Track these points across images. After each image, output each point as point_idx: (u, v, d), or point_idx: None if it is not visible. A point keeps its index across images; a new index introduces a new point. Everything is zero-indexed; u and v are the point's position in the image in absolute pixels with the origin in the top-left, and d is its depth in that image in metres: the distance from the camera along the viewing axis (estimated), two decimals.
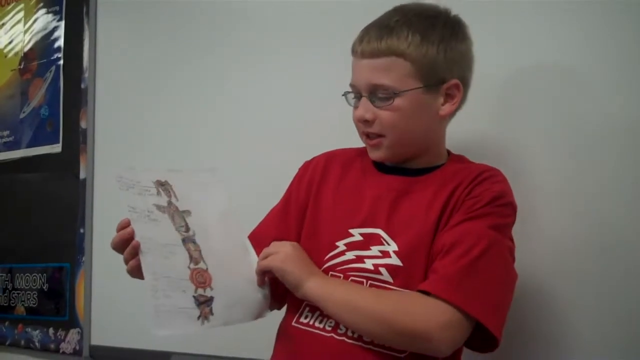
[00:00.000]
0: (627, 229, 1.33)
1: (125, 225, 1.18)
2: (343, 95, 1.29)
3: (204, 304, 1.17)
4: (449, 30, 1.24)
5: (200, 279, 1.18)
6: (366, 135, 1.27)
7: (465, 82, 1.26)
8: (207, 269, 1.20)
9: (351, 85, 1.28)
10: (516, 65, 1.48)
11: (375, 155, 1.28)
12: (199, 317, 1.15)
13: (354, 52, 1.27)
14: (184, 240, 1.20)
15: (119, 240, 1.19)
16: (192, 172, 1.31)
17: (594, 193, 1.37)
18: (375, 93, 1.22)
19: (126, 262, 1.20)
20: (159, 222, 1.19)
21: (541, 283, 1.39)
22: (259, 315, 1.26)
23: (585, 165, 1.39)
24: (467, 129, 1.38)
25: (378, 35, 1.22)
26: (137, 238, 1.16)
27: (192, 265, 1.18)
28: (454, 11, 1.28)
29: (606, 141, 1.36)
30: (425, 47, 1.20)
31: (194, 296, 1.16)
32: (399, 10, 1.26)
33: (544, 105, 1.44)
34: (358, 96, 1.26)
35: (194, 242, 1.21)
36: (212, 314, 1.17)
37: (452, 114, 1.28)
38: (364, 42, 1.24)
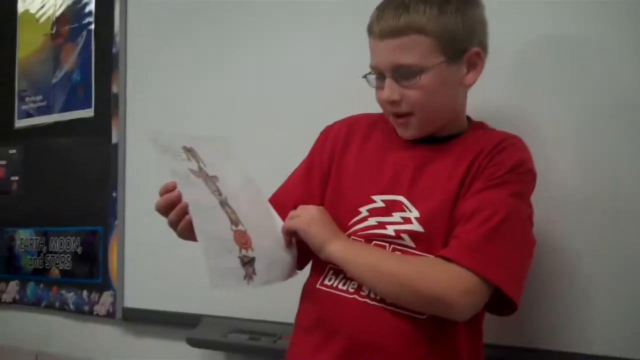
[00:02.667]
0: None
1: (171, 188, 1.19)
2: (363, 77, 1.28)
3: (247, 264, 1.19)
4: None
5: (242, 240, 1.20)
6: (393, 115, 1.26)
7: (484, 48, 1.26)
8: (246, 230, 1.21)
9: (372, 66, 1.26)
10: (532, 34, 1.48)
11: (406, 134, 1.28)
12: (244, 277, 1.17)
13: (371, 32, 1.25)
14: (221, 204, 1.21)
15: (165, 203, 1.20)
16: (209, 139, 1.32)
17: (610, 160, 1.38)
18: (399, 72, 1.21)
19: (173, 223, 1.22)
20: (197, 186, 1.20)
21: (555, 245, 1.41)
22: (290, 275, 1.29)
23: (603, 133, 1.39)
24: (482, 98, 1.36)
25: (395, 13, 1.20)
26: (185, 200, 1.18)
27: (233, 227, 1.20)
28: None
29: (622, 110, 1.36)
30: (444, 20, 1.20)
31: (239, 257, 1.18)
32: None
33: (560, 73, 1.44)
34: (381, 77, 1.25)
35: (229, 205, 1.22)
36: (255, 273, 1.19)
37: (475, 81, 1.28)
38: (382, 22, 1.22)
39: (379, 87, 1.26)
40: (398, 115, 1.26)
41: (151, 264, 2.25)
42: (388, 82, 1.23)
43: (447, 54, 1.21)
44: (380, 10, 1.24)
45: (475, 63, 1.25)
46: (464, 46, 1.22)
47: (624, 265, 1.36)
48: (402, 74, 1.21)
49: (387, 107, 1.27)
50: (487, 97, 1.39)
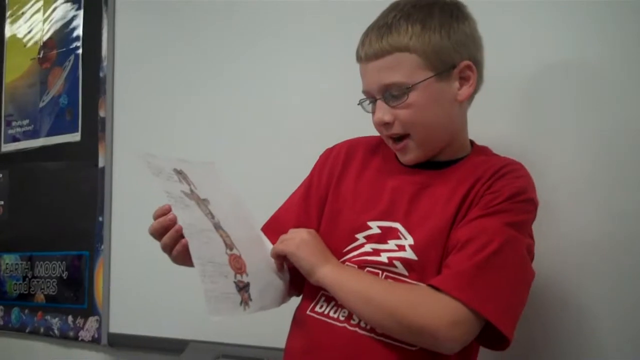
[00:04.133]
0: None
1: (166, 211, 1.16)
2: (358, 104, 1.27)
3: (243, 289, 1.16)
4: (447, 14, 1.21)
5: (237, 264, 1.17)
6: (391, 139, 1.24)
7: (477, 62, 1.23)
8: (240, 255, 1.19)
9: (364, 92, 1.25)
10: (538, 64, 1.46)
11: (406, 159, 1.25)
12: (241, 303, 1.15)
13: (358, 58, 1.25)
14: (215, 227, 1.19)
15: (160, 226, 1.17)
16: (197, 163, 1.30)
17: (614, 192, 1.35)
18: (388, 93, 1.20)
19: (167, 248, 1.18)
20: (192, 208, 1.18)
21: (561, 280, 1.37)
22: (283, 300, 1.27)
23: (606, 163, 1.37)
24: (488, 127, 1.36)
25: (378, 35, 1.20)
26: (180, 223, 1.15)
27: (228, 251, 1.18)
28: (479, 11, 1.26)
29: (628, 139, 1.34)
30: (427, 35, 1.18)
31: (234, 282, 1.15)
32: (394, 7, 1.23)
33: (565, 102, 1.42)
34: (373, 101, 1.24)
35: (222, 229, 1.20)
36: (250, 299, 1.17)
37: (470, 97, 1.25)
38: (366, 46, 1.22)
39: (374, 112, 1.24)
40: (395, 140, 1.24)
41: (137, 289, 2.23)
42: (379, 104, 1.21)
43: (435, 70, 1.18)
44: (365, 34, 1.24)
45: (467, 77, 1.21)
46: (452, 60, 1.20)
47: (624, 302, 1.33)
48: (391, 94, 1.20)
49: (382, 130, 1.24)
50: (488, 127, 1.37)
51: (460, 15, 1.23)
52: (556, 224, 1.36)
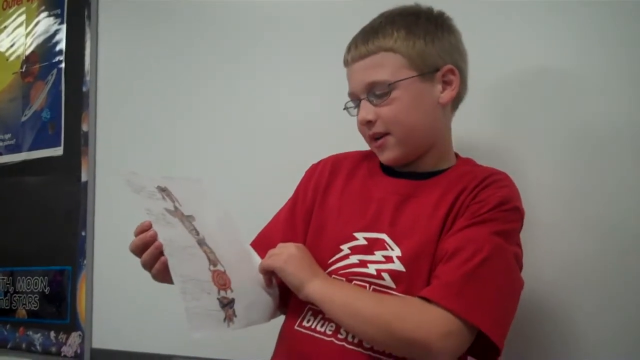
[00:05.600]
0: (630, 234, 1.33)
1: (146, 228, 1.16)
2: (344, 109, 1.30)
3: (227, 305, 1.15)
4: (432, 24, 1.25)
5: (221, 280, 1.16)
6: (372, 138, 1.26)
7: (460, 69, 1.26)
8: (224, 271, 1.18)
9: (350, 94, 1.28)
10: (515, 69, 1.48)
11: (384, 156, 1.27)
12: (224, 319, 1.14)
13: (345, 62, 1.28)
14: (199, 243, 1.18)
15: (141, 243, 1.16)
16: (182, 180, 1.30)
17: (594, 197, 1.37)
18: (372, 92, 1.23)
19: (147, 265, 1.18)
20: (174, 225, 1.17)
21: (545, 290, 1.38)
22: (272, 316, 1.26)
23: (586, 169, 1.39)
24: (465, 133, 1.37)
25: (364, 38, 1.24)
26: (160, 240, 1.14)
27: (211, 267, 1.17)
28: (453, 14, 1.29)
29: (606, 144, 1.36)
30: (412, 41, 1.22)
31: (217, 298, 1.14)
32: (382, 15, 1.28)
33: (543, 109, 1.45)
34: (357, 103, 1.26)
35: (207, 245, 1.19)
36: (235, 315, 1.15)
37: (453, 102, 1.27)
38: (352, 50, 1.26)
39: (358, 113, 1.26)
40: (375, 138, 1.25)
41: (120, 304, 2.22)
42: (363, 103, 1.24)
43: (419, 70, 1.21)
44: (352, 40, 1.27)
45: (450, 81, 1.24)
46: (435, 64, 1.23)
47: (613, 310, 1.34)
48: (375, 92, 1.22)
49: (364, 130, 1.26)
50: (465, 133, 1.38)
51: (445, 26, 1.26)
52: (535, 232, 1.36)
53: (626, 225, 1.33)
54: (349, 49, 1.27)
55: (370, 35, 1.23)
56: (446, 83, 1.24)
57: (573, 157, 1.40)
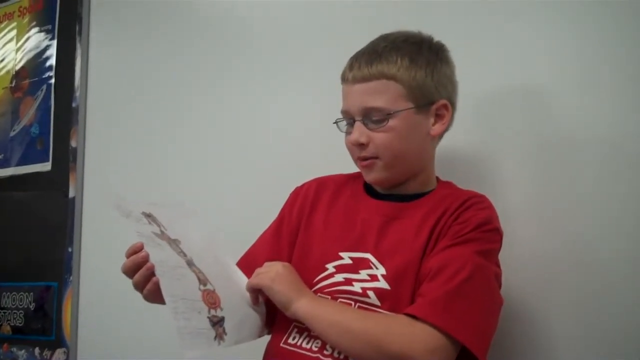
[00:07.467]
0: (599, 244, 1.36)
1: (137, 249, 1.17)
2: (334, 123, 1.31)
3: (217, 324, 1.16)
4: (434, 54, 1.28)
5: (211, 299, 1.18)
6: (360, 158, 1.28)
7: (452, 104, 1.30)
8: (214, 290, 1.20)
9: (343, 111, 1.30)
10: (489, 84, 1.51)
11: (370, 177, 1.30)
12: (215, 338, 1.15)
13: (344, 79, 1.30)
14: (188, 263, 1.20)
15: (132, 264, 1.18)
16: (166, 204, 1.32)
17: (564, 209, 1.40)
18: (368, 116, 1.25)
19: (138, 285, 1.19)
20: (163, 247, 1.19)
21: (512, 300, 1.39)
22: (260, 333, 1.28)
23: (557, 181, 1.42)
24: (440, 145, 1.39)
25: (368, 61, 1.25)
26: (151, 261, 1.16)
27: (201, 287, 1.19)
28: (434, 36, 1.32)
29: (576, 157, 1.40)
30: (414, 70, 1.24)
31: (208, 317, 1.16)
32: (385, 38, 1.30)
33: (514, 122, 1.48)
34: (350, 122, 1.28)
35: (195, 265, 1.21)
36: (225, 333, 1.17)
37: (441, 134, 1.31)
38: (355, 69, 1.27)
39: (349, 132, 1.28)
40: (363, 159, 1.27)
41: (106, 320, 2.21)
42: (357, 125, 1.26)
43: (415, 102, 1.24)
44: (354, 58, 1.29)
45: (442, 115, 1.28)
46: (432, 97, 1.26)
47: (580, 321, 1.36)
48: (371, 117, 1.24)
49: (354, 151, 1.29)
50: (441, 145, 1.39)
51: (444, 57, 1.30)
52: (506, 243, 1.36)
53: (606, 239, 1.36)
54: (350, 67, 1.28)
55: (374, 59, 1.25)
56: (438, 117, 1.28)
57: (543, 170, 1.44)
